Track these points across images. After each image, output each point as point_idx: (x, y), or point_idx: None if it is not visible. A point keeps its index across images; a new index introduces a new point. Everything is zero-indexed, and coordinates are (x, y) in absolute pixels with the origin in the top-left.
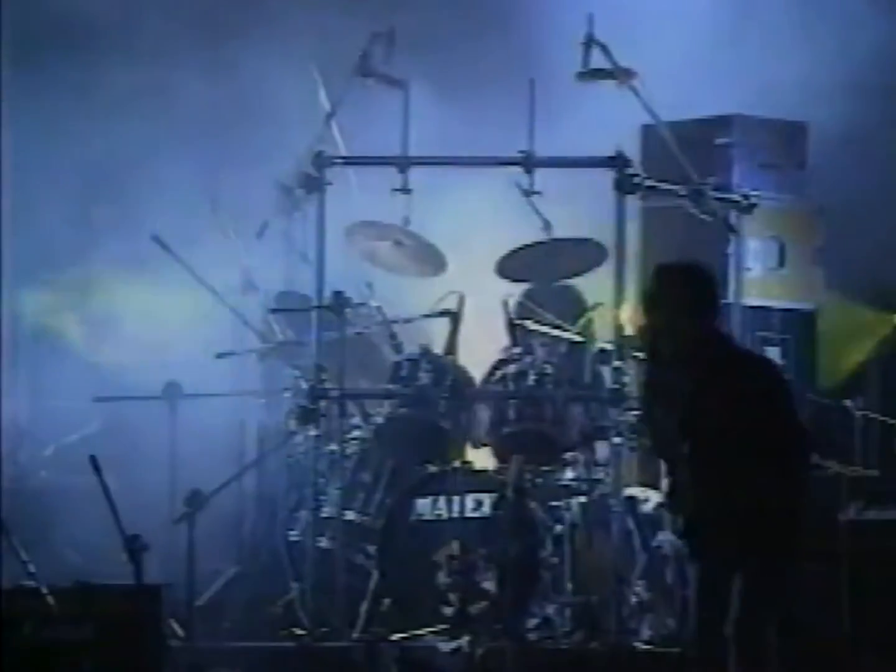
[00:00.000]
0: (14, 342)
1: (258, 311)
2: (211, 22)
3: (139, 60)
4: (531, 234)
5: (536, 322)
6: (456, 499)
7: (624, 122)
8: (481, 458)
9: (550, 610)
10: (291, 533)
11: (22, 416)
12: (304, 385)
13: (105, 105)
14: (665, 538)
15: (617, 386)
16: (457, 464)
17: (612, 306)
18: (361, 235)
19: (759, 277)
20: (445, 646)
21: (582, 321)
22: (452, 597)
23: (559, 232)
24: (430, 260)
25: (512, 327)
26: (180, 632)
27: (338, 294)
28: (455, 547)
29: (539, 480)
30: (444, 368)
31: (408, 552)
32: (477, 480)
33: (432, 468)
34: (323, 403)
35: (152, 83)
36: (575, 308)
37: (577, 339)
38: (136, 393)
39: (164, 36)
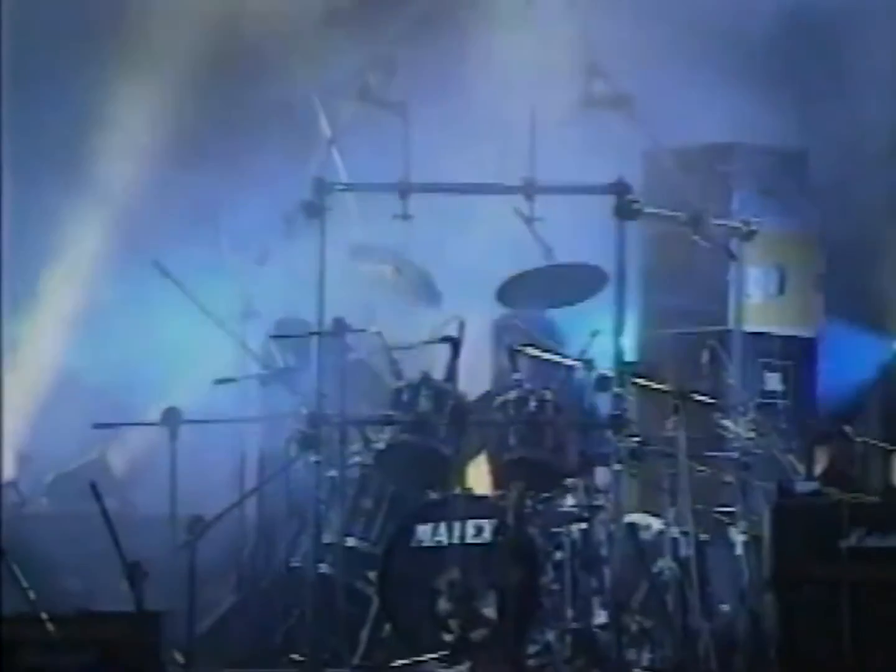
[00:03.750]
0: (14, 368)
1: (259, 337)
2: (212, 49)
3: (142, 84)
4: (532, 260)
5: (537, 348)
6: (456, 525)
7: (625, 148)
8: (482, 485)
9: (551, 636)
10: (292, 559)
11: (22, 443)
12: (305, 411)
13: (105, 128)
14: (665, 565)
15: (617, 412)
16: (457, 490)
17: (613, 333)
18: (362, 258)
19: (759, 304)
20: None
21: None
22: (453, 623)
23: (560, 258)
24: (424, 291)
25: (512, 353)
26: (181, 659)
27: (338, 320)
28: (455, 573)
29: (539, 507)
30: (445, 395)
31: (408, 578)
32: (477, 507)
33: (433, 494)
34: (323, 429)
35: (153, 109)
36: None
37: (577, 364)
38: (137, 419)
39: (165, 60)
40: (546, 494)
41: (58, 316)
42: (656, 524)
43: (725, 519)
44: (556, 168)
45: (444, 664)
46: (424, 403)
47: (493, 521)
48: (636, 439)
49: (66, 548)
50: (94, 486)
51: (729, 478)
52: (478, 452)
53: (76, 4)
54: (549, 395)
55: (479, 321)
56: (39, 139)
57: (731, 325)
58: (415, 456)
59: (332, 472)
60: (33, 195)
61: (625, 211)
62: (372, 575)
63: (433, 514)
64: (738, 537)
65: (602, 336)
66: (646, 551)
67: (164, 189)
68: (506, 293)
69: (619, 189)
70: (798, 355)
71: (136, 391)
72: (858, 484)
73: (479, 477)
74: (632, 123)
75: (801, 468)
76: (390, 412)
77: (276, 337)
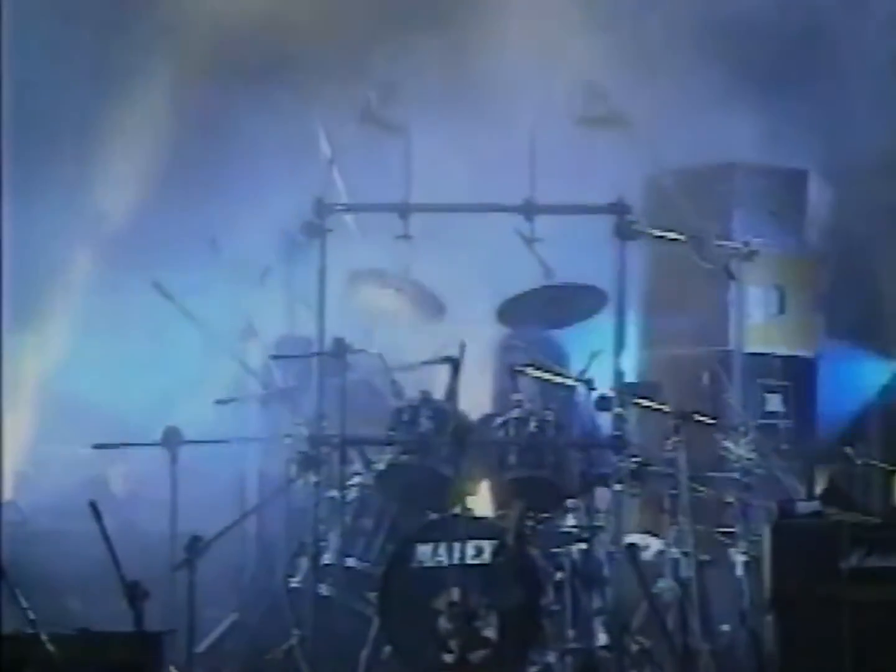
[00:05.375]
0: (14, 387)
1: (259, 358)
2: (212, 68)
3: (141, 104)
4: (532, 280)
5: (538, 368)
6: (457, 545)
7: (626, 168)
8: (482, 505)
9: (551, 657)
10: (292, 579)
11: (22, 463)
12: (305, 431)
13: (105, 149)
14: (666, 585)
15: (617, 432)
16: (457, 510)
17: (613, 353)
18: (363, 283)
19: (760, 325)
20: None
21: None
22: (453, 644)
23: (560, 278)
24: (429, 306)
25: (513, 373)
26: None
27: (339, 340)
28: (456, 594)
29: (540, 527)
30: (445, 415)
31: (408, 599)
32: (477, 527)
33: (433, 515)
34: (324, 450)
35: (153, 129)
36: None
37: (578, 384)
38: (137, 439)
39: (164, 82)
40: (546, 515)
41: (58, 335)
42: (657, 545)
43: (726, 539)
44: (555, 188)
45: None
46: (425, 424)
47: (494, 541)
48: (637, 460)
49: (67, 567)
50: (94, 506)
51: (729, 498)
52: (481, 476)
53: (75, 26)
54: (549, 415)
55: (480, 341)
56: (39, 159)
57: (731, 345)
58: (415, 476)
59: (332, 493)
60: (33, 215)
61: (625, 231)
62: (372, 595)
63: (433, 534)
64: (738, 558)
65: (602, 356)
66: (646, 572)
67: (164, 209)
68: (506, 313)
69: (619, 209)
70: (798, 376)
71: (136, 411)
72: (859, 504)
73: (479, 497)
74: (632, 144)
75: (801, 488)
76: (391, 432)
77: (276, 357)
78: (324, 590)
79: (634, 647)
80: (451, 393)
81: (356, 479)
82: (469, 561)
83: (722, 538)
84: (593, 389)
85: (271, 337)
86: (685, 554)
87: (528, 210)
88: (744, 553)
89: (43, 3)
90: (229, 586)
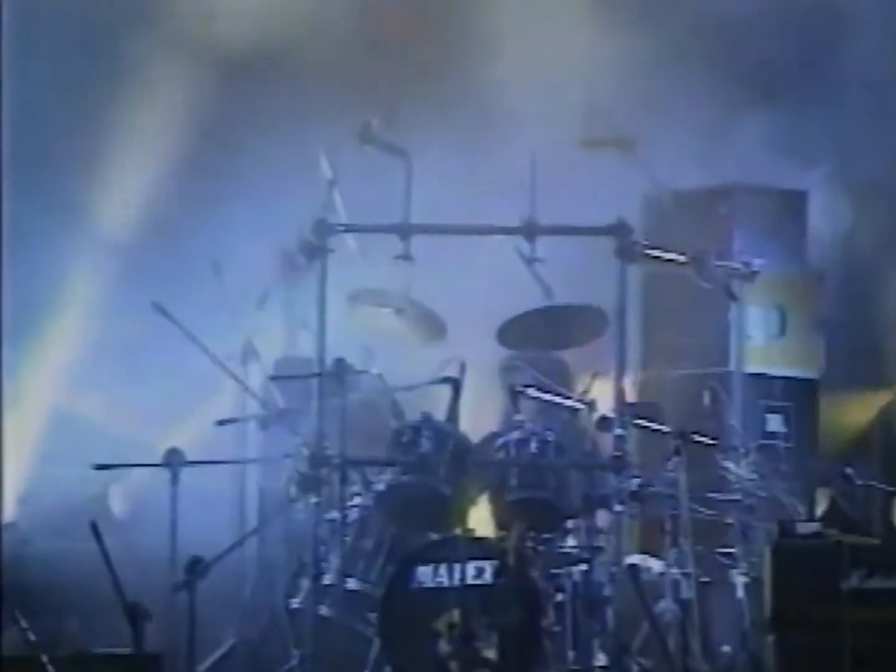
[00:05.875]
0: (15, 409)
1: (259, 379)
2: (214, 92)
3: (141, 126)
4: (532, 301)
5: (539, 389)
6: (457, 566)
7: (626, 189)
8: (483, 526)
9: None
10: (292, 600)
11: (23, 484)
12: (305, 452)
13: (105, 170)
14: (666, 606)
15: (618, 453)
16: (458, 531)
17: (614, 374)
18: (363, 303)
19: (760, 345)
20: None
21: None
22: (454, 665)
23: (561, 299)
24: (430, 327)
25: (514, 394)
26: None
27: (339, 361)
28: (456, 615)
29: (540, 548)
30: (446, 436)
31: (409, 620)
32: (478, 548)
33: (433, 535)
34: (324, 470)
35: (154, 151)
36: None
37: (579, 405)
38: (138, 459)
39: (164, 106)
40: (547, 536)
41: (58, 356)
42: (657, 566)
43: (726, 560)
44: (556, 209)
45: None
46: (425, 444)
47: (494, 562)
48: (637, 480)
49: (67, 588)
50: (94, 527)
51: (730, 519)
52: (480, 493)
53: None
54: (550, 436)
55: (482, 362)
56: (39, 182)
57: (732, 366)
58: (415, 497)
59: (333, 514)
60: (34, 237)
61: (626, 252)
62: (372, 616)
63: (434, 555)
64: (739, 579)
65: (603, 377)
66: (647, 593)
67: (166, 231)
68: (506, 334)
69: (621, 230)
70: (799, 396)
71: (137, 431)
72: (859, 526)
73: (480, 518)
74: (633, 165)
75: (802, 509)
76: (391, 453)
77: (276, 378)
78: (324, 611)
79: (635, 669)
80: (452, 414)
81: (356, 500)
82: (470, 582)
83: (722, 559)
84: (594, 410)
85: (272, 358)
86: (686, 575)
87: (529, 231)
88: (744, 574)
89: (38, 38)
90: (230, 607)
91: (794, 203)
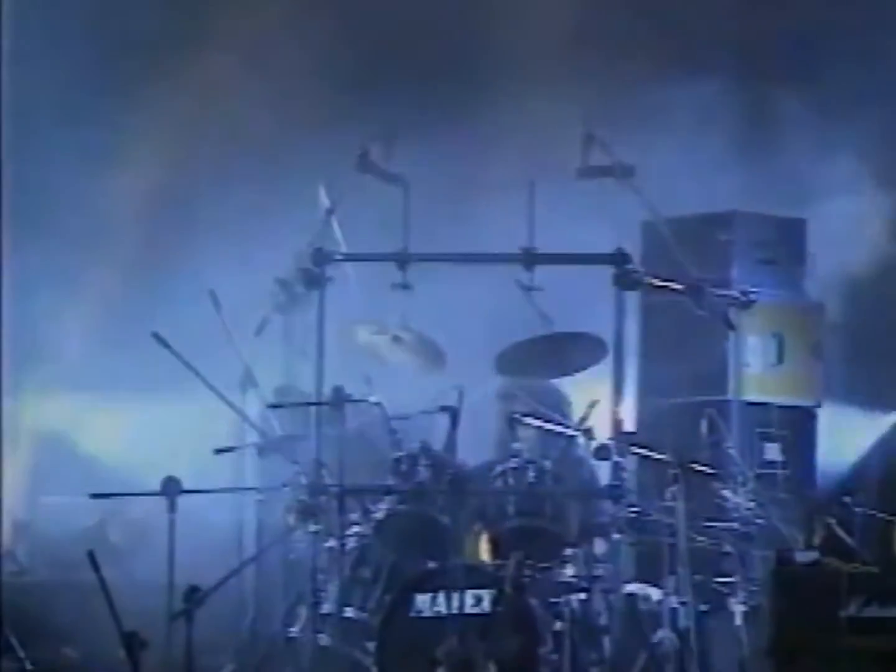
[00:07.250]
0: (13, 438)
1: (257, 407)
2: (210, 118)
3: (140, 154)
4: (531, 329)
5: (537, 417)
6: (455, 595)
7: (624, 217)
8: (480, 554)
9: None
10: (290, 629)
11: (21, 512)
12: (304, 480)
13: (104, 200)
14: (665, 635)
15: (616, 482)
16: (456, 560)
17: (612, 402)
18: (361, 331)
19: (758, 374)
20: None
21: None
22: None
23: (559, 327)
24: (430, 355)
25: (512, 422)
26: None
27: (337, 390)
28: (454, 643)
29: (538, 576)
30: (444, 464)
31: (407, 648)
32: (476, 576)
33: (431, 564)
34: (322, 499)
35: (151, 178)
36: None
37: (577, 434)
38: (136, 488)
39: (163, 128)
40: (545, 564)
41: (56, 385)
42: (655, 594)
43: (725, 589)
44: (554, 237)
45: None
46: (423, 473)
47: (492, 590)
48: (635, 509)
49: (64, 617)
50: (91, 556)
51: (728, 548)
52: (479, 525)
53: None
54: (548, 464)
55: (480, 390)
56: (40, 209)
57: (730, 394)
58: (413, 525)
59: (331, 542)
60: (33, 261)
61: (625, 281)
62: (371, 645)
63: (432, 583)
64: (737, 607)
65: (601, 405)
66: (645, 621)
67: (163, 261)
68: (504, 362)
69: (619, 259)
70: (797, 425)
71: (134, 460)
72: (858, 554)
73: (478, 546)
74: (631, 192)
75: (800, 538)
76: (389, 482)
77: (274, 406)
78: (322, 639)
79: None
80: (450, 442)
81: (355, 529)
82: (468, 610)
83: (721, 588)
84: (592, 439)
85: (270, 386)
86: (684, 603)
87: (528, 260)
88: (743, 602)
89: (40, 68)
90: (227, 635)
91: (793, 230)
